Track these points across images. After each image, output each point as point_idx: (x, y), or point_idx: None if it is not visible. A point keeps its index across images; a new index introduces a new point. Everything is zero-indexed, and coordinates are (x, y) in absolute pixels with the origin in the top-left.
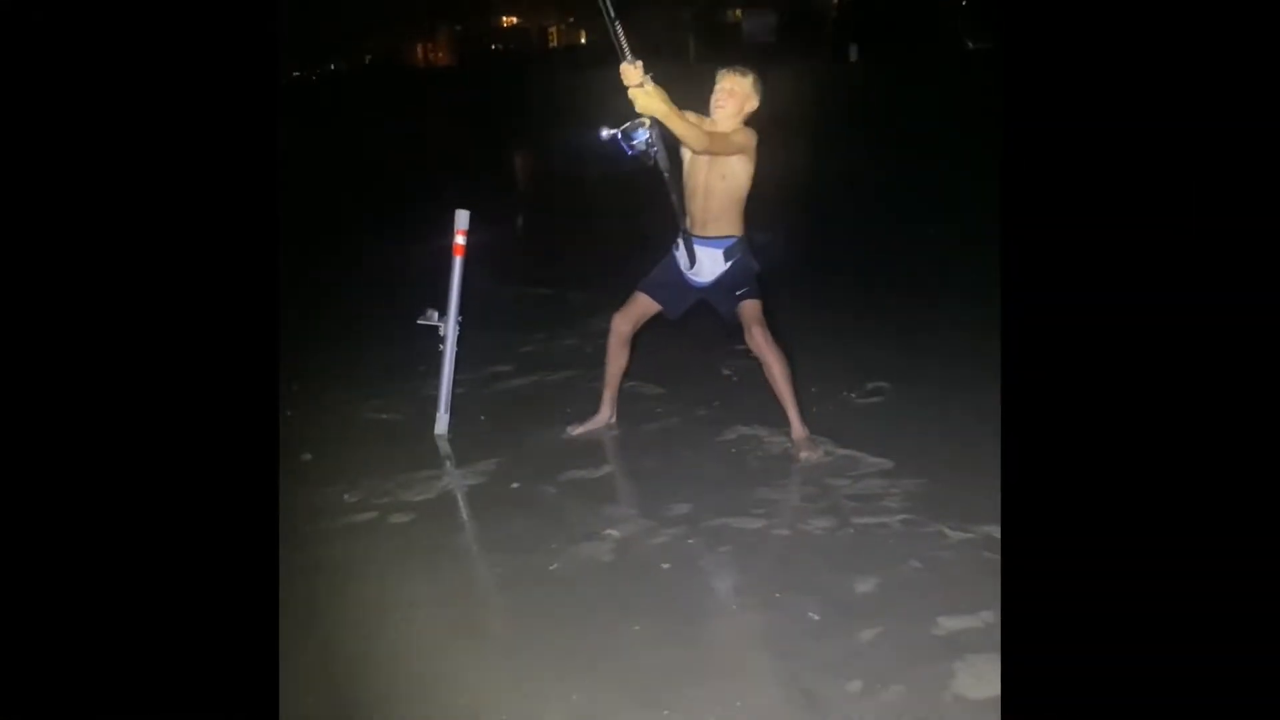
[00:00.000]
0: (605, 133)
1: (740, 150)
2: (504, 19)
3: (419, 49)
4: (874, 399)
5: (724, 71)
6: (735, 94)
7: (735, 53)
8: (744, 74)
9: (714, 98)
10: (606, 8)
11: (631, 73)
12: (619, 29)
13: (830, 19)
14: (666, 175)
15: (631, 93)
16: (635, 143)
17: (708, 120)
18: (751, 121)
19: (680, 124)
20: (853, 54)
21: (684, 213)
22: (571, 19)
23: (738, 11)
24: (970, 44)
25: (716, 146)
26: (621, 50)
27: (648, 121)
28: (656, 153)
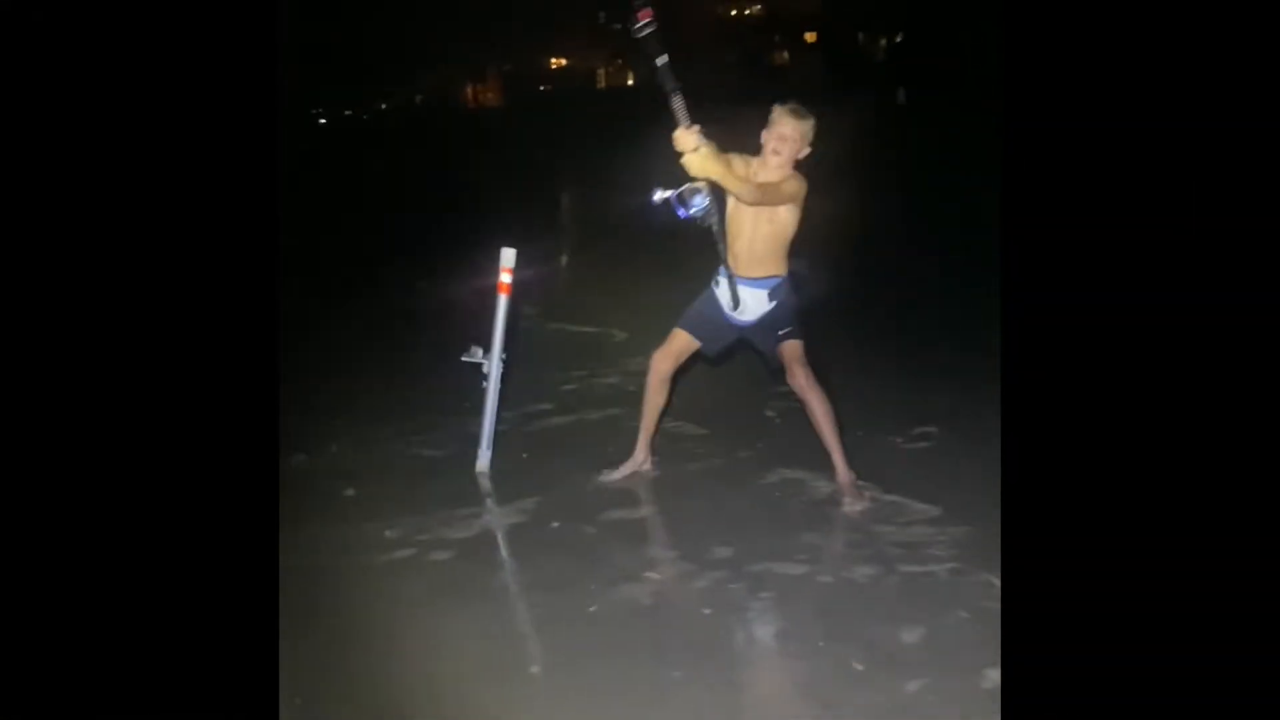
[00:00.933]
0: (659, 195)
1: (790, 199)
2: (552, 60)
3: (469, 89)
4: (921, 444)
5: (781, 112)
6: (791, 140)
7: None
8: (803, 117)
9: (767, 140)
10: (668, 78)
11: (687, 139)
12: (680, 99)
13: (878, 62)
14: (715, 230)
15: (686, 157)
16: (693, 210)
17: (756, 161)
18: (801, 166)
19: (735, 183)
20: (901, 97)
21: (728, 253)
22: (620, 60)
23: (785, 54)
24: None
25: (768, 199)
26: (679, 118)
27: (704, 186)
28: (713, 216)
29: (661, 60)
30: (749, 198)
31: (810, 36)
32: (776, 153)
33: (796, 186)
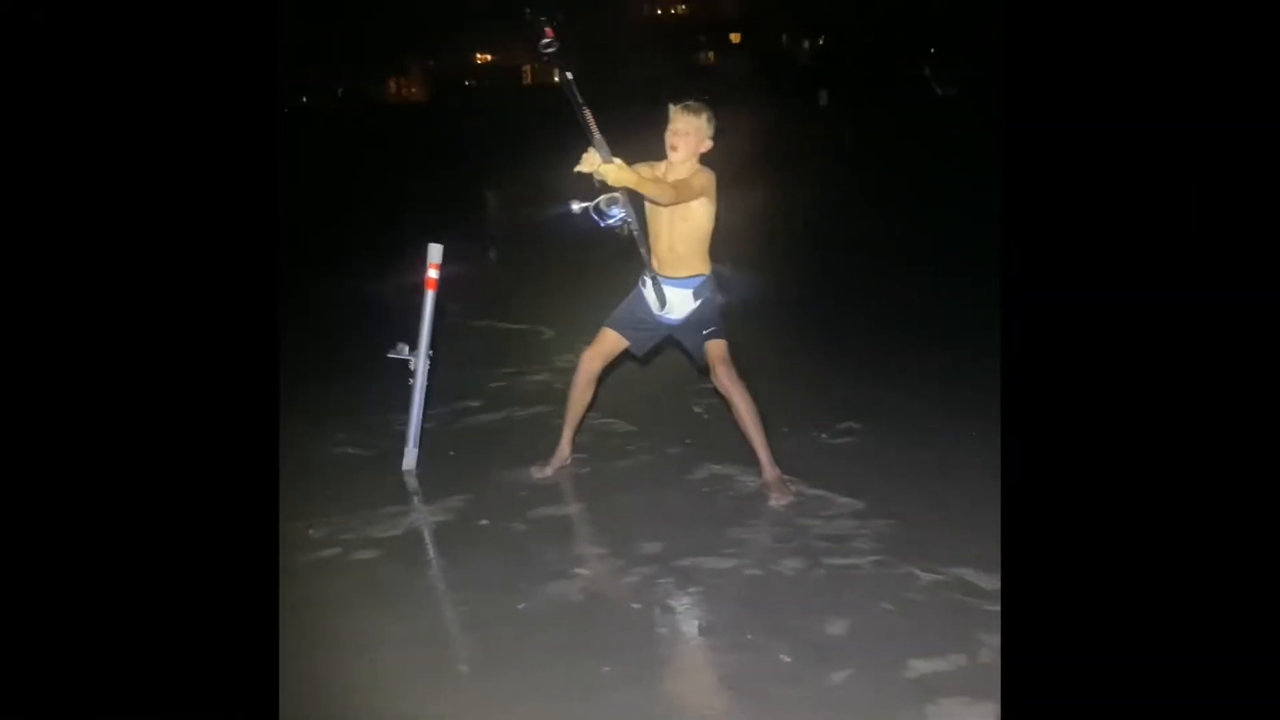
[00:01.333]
0: (577, 206)
1: (701, 193)
2: (477, 55)
3: (391, 84)
4: (845, 439)
5: (676, 109)
6: (686, 135)
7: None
8: (696, 112)
9: (667, 138)
10: (574, 94)
11: (593, 158)
12: (587, 114)
13: (801, 64)
14: (636, 234)
15: (602, 169)
16: (612, 220)
17: (663, 165)
18: (708, 160)
19: (650, 186)
20: (823, 98)
21: (650, 255)
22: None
23: (711, 54)
24: (939, 90)
25: (682, 197)
26: (590, 133)
27: (620, 195)
28: (631, 222)
29: (568, 76)
30: (666, 199)
31: (735, 37)
32: (675, 149)
33: (705, 180)
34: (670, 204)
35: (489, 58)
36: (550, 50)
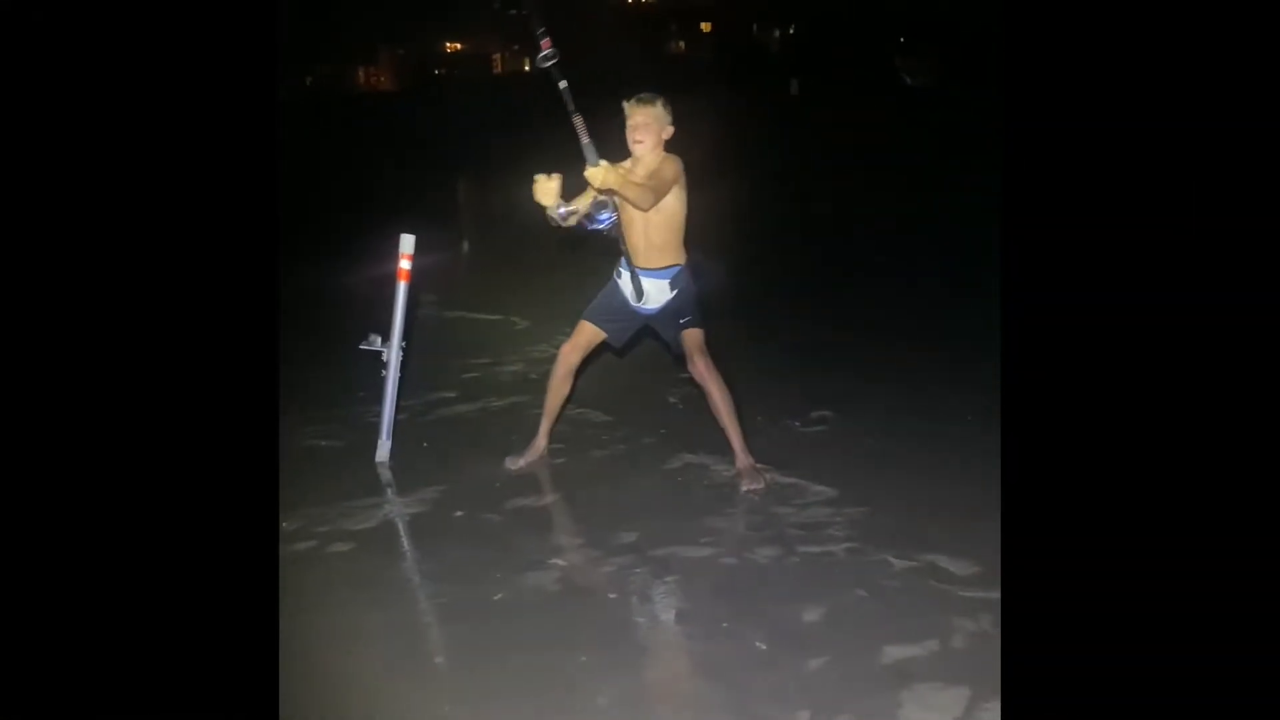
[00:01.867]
0: (564, 210)
1: (673, 183)
2: (448, 44)
3: (361, 73)
4: (818, 427)
5: (630, 105)
6: (649, 127)
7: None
8: (651, 102)
9: (628, 134)
10: (569, 101)
11: (594, 171)
12: (578, 120)
13: (772, 53)
14: (615, 234)
15: (590, 171)
16: (600, 224)
17: (629, 161)
18: (672, 146)
19: (633, 190)
20: (794, 88)
21: (627, 247)
22: (516, 46)
23: (681, 44)
24: (908, 80)
25: (660, 194)
26: (580, 135)
27: (607, 199)
28: (615, 224)
29: (563, 85)
30: (647, 203)
31: (705, 26)
32: (639, 142)
33: (673, 168)
34: (652, 206)
35: (459, 46)
36: (550, 62)
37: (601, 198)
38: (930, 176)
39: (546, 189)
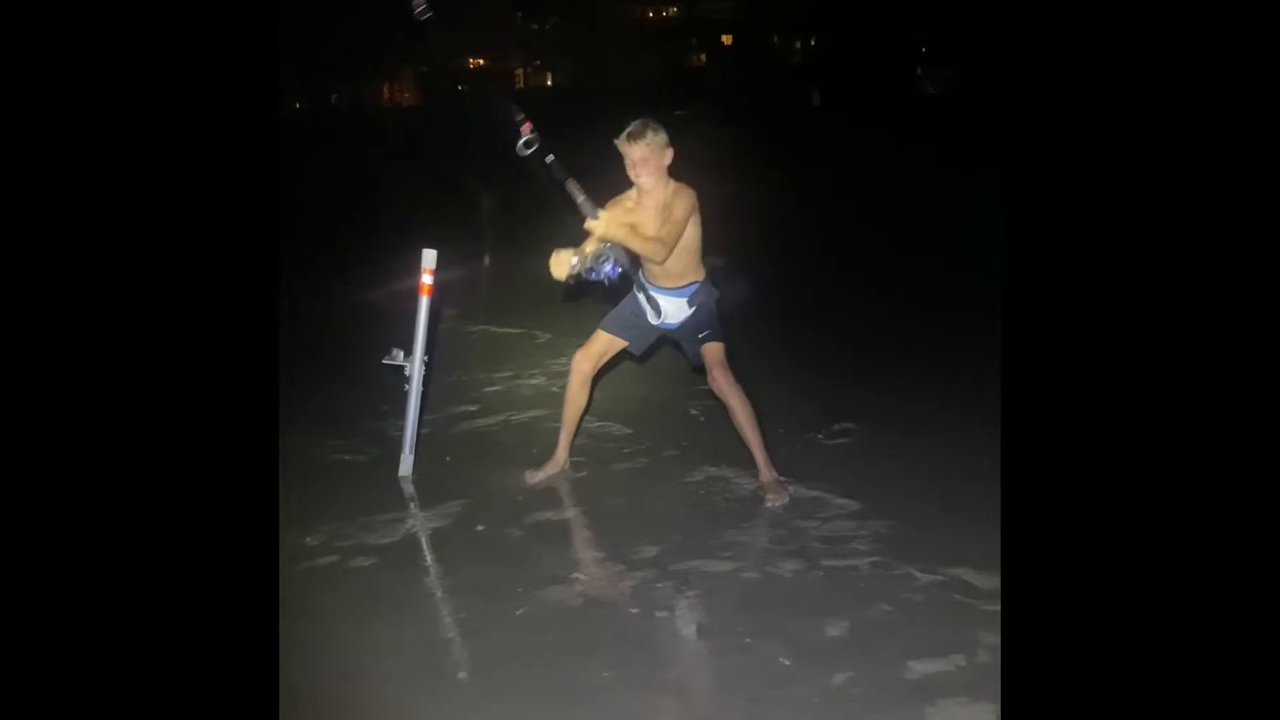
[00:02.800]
0: (574, 265)
1: (687, 216)
2: (470, 61)
3: (385, 89)
4: (841, 440)
5: (622, 142)
6: (647, 160)
7: (701, 98)
8: (641, 134)
9: (629, 171)
10: (559, 171)
11: (593, 221)
12: (571, 183)
13: (792, 65)
14: (631, 274)
15: (589, 224)
16: (605, 276)
17: (633, 192)
18: (675, 172)
19: (639, 241)
20: (815, 99)
21: (644, 271)
22: (538, 61)
23: (702, 56)
24: (930, 89)
25: (673, 238)
26: (576, 197)
27: (610, 252)
28: (620, 273)
29: (549, 158)
30: (661, 256)
31: (727, 39)
32: (641, 176)
33: (685, 204)
34: (667, 257)
35: (481, 62)
36: (532, 148)
37: (601, 248)
38: (957, 184)
39: (560, 261)
